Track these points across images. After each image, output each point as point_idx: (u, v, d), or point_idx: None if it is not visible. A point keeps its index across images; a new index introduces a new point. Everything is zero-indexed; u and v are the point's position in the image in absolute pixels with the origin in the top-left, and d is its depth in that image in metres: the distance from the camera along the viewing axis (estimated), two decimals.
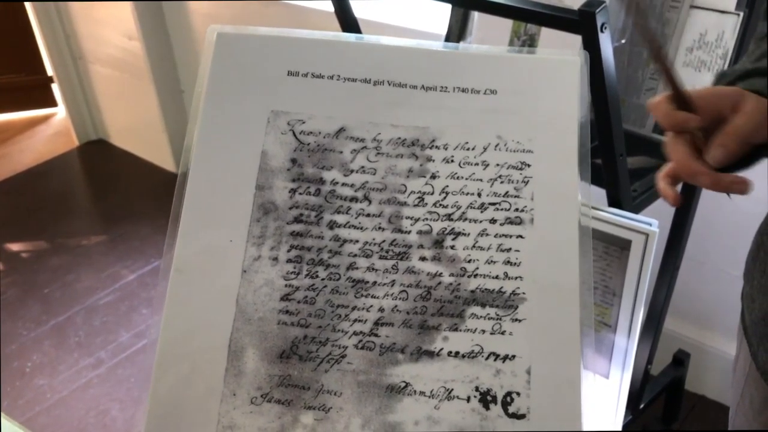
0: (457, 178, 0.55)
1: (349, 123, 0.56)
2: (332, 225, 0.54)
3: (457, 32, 1.41)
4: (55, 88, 3.07)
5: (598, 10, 0.83)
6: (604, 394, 1.14)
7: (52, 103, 3.23)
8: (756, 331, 0.66)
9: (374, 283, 0.53)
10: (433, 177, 0.55)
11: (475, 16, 1.19)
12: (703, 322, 1.57)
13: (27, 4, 2.78)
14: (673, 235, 1.24)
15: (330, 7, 1.24)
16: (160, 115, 2.63)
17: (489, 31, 1.17)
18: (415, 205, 0.55)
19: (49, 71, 3.01)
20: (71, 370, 1.86)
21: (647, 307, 1.29)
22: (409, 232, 0.54)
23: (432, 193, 0.55)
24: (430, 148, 0.56)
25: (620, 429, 1.17)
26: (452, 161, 0.55)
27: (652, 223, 0.99)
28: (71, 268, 2.26)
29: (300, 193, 0.54)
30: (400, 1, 1.81)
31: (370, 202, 0.55)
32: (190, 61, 2.53)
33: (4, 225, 2.48)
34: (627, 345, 1.08)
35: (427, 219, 0.54)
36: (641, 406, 1.37)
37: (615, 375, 1.12)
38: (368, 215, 0.54)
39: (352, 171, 0.55)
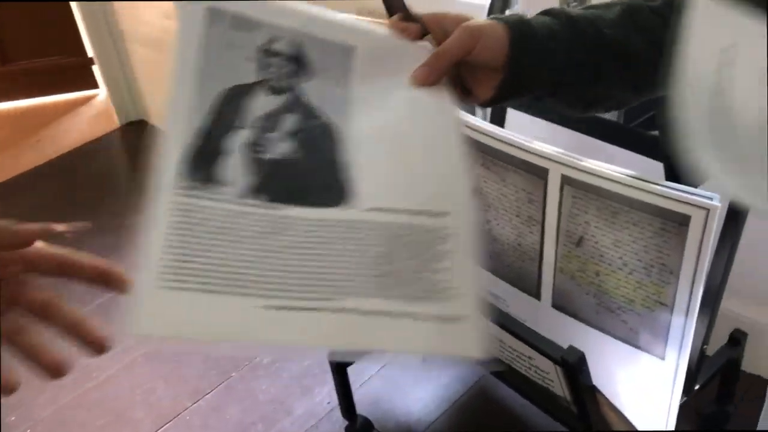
0: None
1: None
2: None
3: (500, 3, 1.36)
4: (96, 69, 3.09)
5: None
6: (660, 376, 1.10)
7: (93, 84, 3.25)
8: None
9: None
10: None
11: None
12: (761, 300, 1.51)
13: None
14: (732, 209, 1.18)
15: None
16: None
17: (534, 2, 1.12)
18: None
19: (90, 53, 3.02)
20: (118, 347, 1.87)
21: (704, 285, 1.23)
22: None
23: None
24: None
25: (676, 410, 1.13)
26: None
27: (713, 197, 0.94)
28: (114, 248, 2.28)
29: None
30: None
31: None
32: None
33: (48, 205, 2.51)
34: (684, 325, 1.03)
35: None
36: (696, 387, 1.33)
37: (671, 356, 1.07)
38: None
39: None
